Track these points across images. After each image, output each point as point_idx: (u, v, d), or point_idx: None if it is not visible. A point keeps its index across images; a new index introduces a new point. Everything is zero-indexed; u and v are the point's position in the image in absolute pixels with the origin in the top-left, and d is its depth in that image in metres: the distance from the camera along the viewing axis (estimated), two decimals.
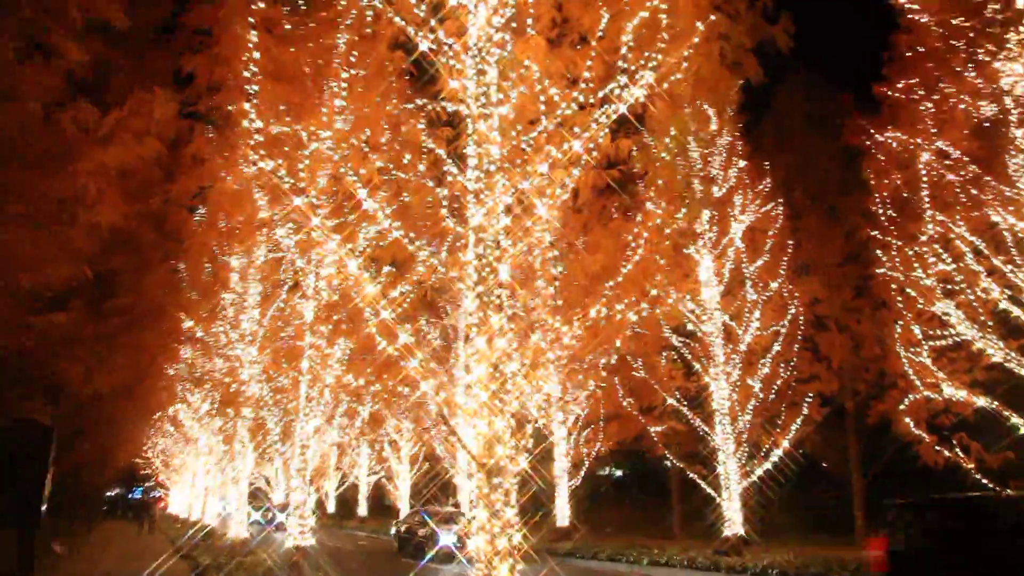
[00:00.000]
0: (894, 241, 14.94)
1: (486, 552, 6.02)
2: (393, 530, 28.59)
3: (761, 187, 20.23)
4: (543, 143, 7.13)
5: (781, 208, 20.31)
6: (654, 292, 7.12)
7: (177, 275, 14.23)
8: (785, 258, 19.99)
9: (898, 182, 15.23)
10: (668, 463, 31.99)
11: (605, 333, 7.04)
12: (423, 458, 39.09)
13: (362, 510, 46.64)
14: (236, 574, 15.21)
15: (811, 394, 18.87)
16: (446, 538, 20.42)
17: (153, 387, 22.55)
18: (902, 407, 15.38)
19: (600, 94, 7.02)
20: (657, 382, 21.11)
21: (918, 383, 14.62)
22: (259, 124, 6.10)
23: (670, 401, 20.88)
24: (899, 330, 14.86)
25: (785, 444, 18.40)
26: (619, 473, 47.65)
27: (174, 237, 13.86)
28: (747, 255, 19.84)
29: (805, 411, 18.89)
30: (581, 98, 7.10)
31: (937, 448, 15.05)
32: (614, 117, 6.88)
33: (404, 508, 39.29)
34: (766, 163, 20.40)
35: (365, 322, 11.88)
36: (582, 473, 26.07)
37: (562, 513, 25.83)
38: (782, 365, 19.14)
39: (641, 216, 11.29)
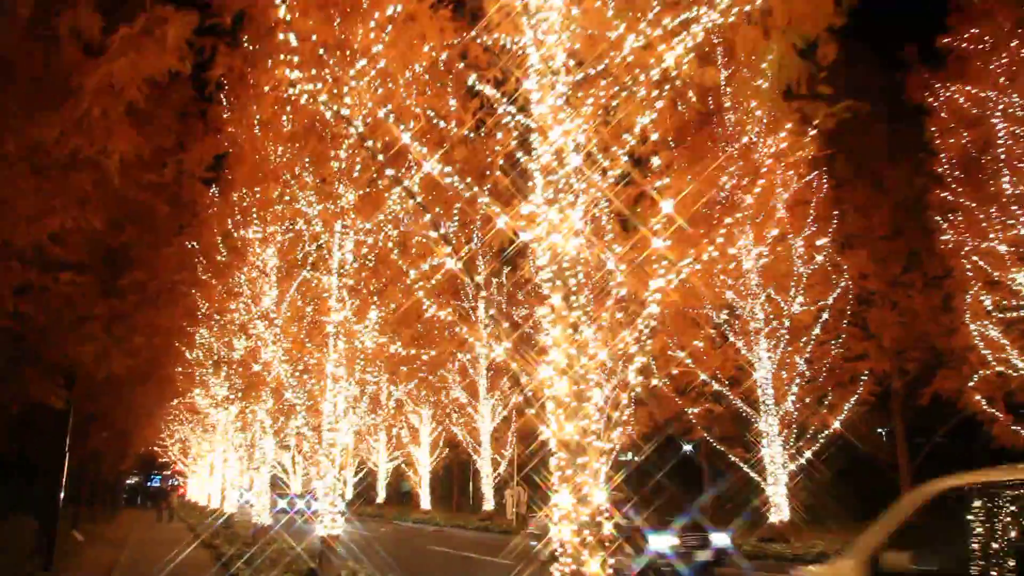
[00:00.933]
0: (962, 203, 13.84)
1: (572, 544, 5.11)
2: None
3: (803, 153, 19.11)
4: (615, 71, 6.12)
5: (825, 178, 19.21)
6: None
7: (192, 250, 13.37)
8: (830, 229, 18.88)
9: (965, 141, 14.10)
10: (697, 448, 31.17)
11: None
12: (443, 444, 38.32)
13: (380, 497, 46.01)
14: (260, 563, 14.44)
15: (866, 372, 17.80)
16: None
17: (170, 372, 21.79)
18: (971, 384, 14.32)
19: (684, 17, 6.00)
20: (695, 360, 20.12)
21: (989, 357, 13.56)
22: (293, 42, 5.18)
23: (702, 379, 19.93)
24: (968, 300, 13.80)
25: (836, 425, 17.37)
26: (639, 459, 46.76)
27: (189, 210, 13.01)
28: (791, 224, 18.75)
29: (859, 390, 17.79)
30: (649, 31, 6.11)
31: (1015, 428, 13.99)
32: (699, 38, 5.88)
33: (424, 496, 38.60)
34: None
35: (409, 287, 11.03)
36: (610, 459, 25.15)
37: None
38: (833, 343, 18.09)
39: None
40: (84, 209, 7.44)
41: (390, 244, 10.34)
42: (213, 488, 40.91)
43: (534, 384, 5.68)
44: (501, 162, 6.93)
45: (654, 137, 5.74)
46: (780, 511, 18.21)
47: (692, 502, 31.11)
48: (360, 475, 47.40)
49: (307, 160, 12.21)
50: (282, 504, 35.37)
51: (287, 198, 13.28)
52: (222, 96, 13.09)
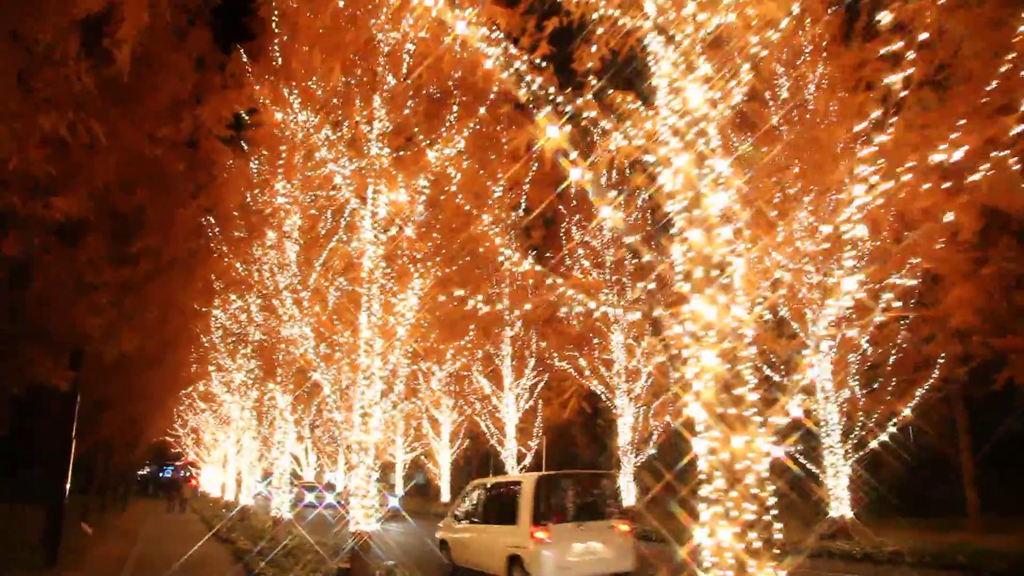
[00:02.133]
0: None
1: (734, 552, 3.79)
2: None
3: None
4: None
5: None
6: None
7: (210, 215, 12.08)
8: None
9: None
10: None
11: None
12: (463, 435, 37.07)
13: (399, 490, 44.78)
14: (285, 562, 13.20)
15: (942, 356, 16.28)
16: None
17: (183, 356, 20.56)
18: None
19: None
20: None
21: None
22: None
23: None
24: None
25: (906, 412, 15.92)
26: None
27: (207, 171, 11.73)
28: None
29: (934, 374, 16.29)
30: None
31: None
32: None
33: (444, 488, 37.41)
34: None
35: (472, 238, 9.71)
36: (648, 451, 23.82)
37: (627, 493, 23.60)
38: (902, 322, 16.63)
39: None
40: (82, 113, 6.13)
41: (452, 188, 8.96)
42: (227, 479, 39.85)
43: (672, 344, 4.35)
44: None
45: None
46: (841, 506, 16.82)
47: None
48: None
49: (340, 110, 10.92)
50: (309, 498, 34.22)
51: (316, 158, 12.03)
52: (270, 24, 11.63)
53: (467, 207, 9.00)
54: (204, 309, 16.40)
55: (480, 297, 6.21)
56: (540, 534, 10.87)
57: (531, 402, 30.39)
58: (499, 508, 12.34)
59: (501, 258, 5.77)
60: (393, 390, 11.70)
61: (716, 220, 4.29)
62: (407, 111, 10.54)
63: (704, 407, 4.08)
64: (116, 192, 10.07)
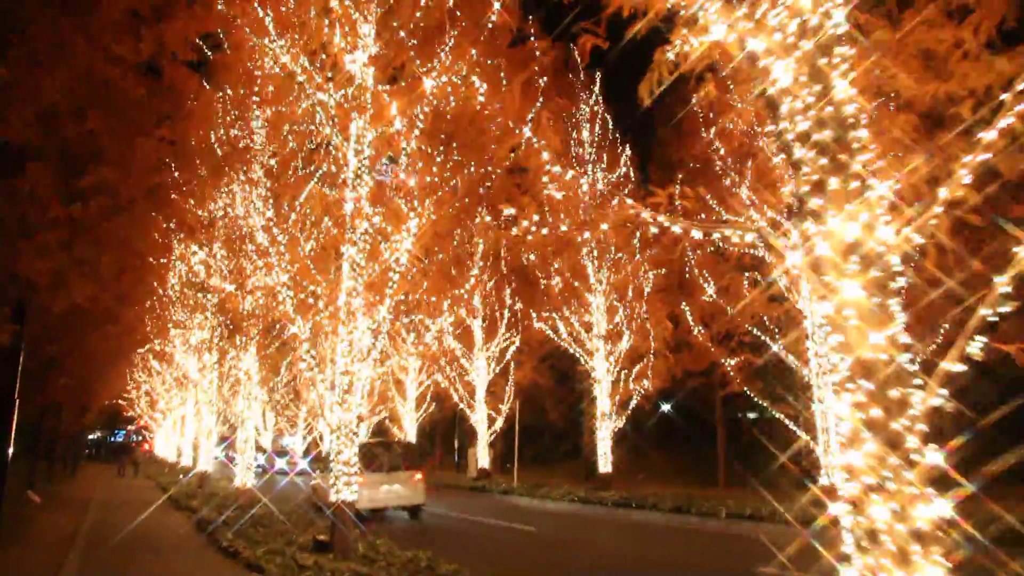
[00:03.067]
0: None
1: (895, 532, 2.94)
2: None
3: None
4: None
5: None
6: None
7: (175, 148, 10.75)
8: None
9: None
10: (706, 405, 29.42)
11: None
12: (430, 398, 36.09)
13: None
14: (256, 534, 12.21)
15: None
16: None
17: (140, 312, 19.15)
18: None
19: None
20: (732, 305, 18.07)
21: None
22: None
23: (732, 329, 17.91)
24: None
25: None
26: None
27: (171, 99, 10.41)
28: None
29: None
30: None
31: None
32: None
33: None
34: None
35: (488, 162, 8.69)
36: (625, 415, 23.17)
37: (604, 459, 23.02)
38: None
39: None
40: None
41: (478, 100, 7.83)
42: (184, 444, 38.40)
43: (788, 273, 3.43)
44: None
45: None
46: (831, 475, 16.38)
47: (701, 461, 29.64)
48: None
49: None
50: (280, 464, 33.02)
51: (296, 86, 10.82)
52: None
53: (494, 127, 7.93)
54: (163, 260, 15.00)
55: (536, 218, 5.16)
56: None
57: (503, 364, 29.59)
58: None
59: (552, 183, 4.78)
60: (376, 347, 10.67)
61: (852, 120, 3.38)
62: (402, 34, 9.36)
63: (847, 354, 3.20)
64: (65, 116, 8.76)
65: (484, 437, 30.23)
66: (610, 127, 23.03)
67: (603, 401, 23.14)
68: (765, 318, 17.28)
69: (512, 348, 29.37)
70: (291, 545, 10.89)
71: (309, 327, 10.83)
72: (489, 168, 10.53)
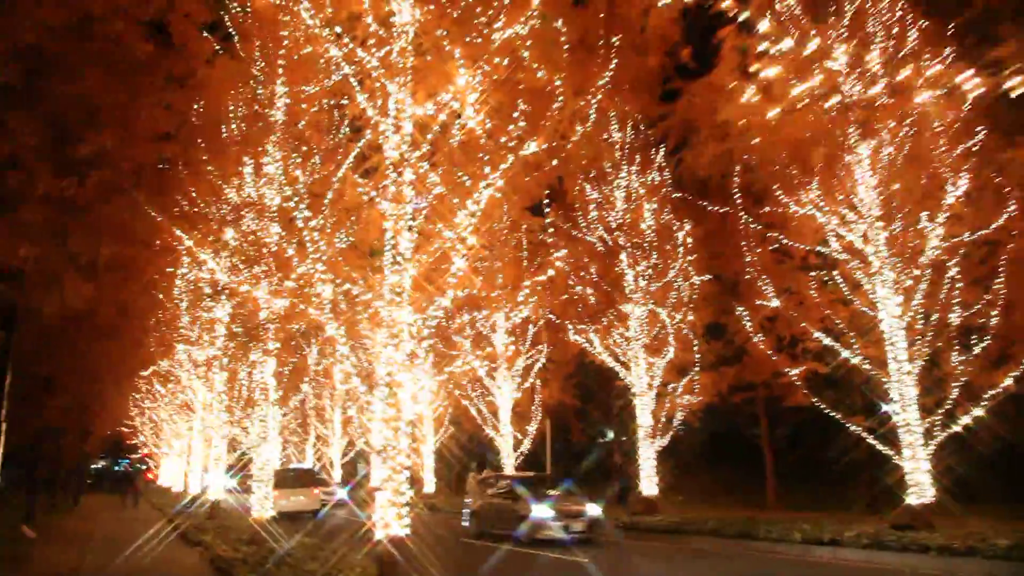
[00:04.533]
0: None
1: None
2: None
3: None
4: None
5: None
6: None
7: (185, 120, 9.12)
8: None
9: None
10: (760, 419, 27.46)
11: None
12: (448, 421, 34.12)
13: (375, 480, 41.83)
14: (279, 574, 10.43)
15: None
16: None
17: (145, 325, 17.46)
18: None
19: None
20: (795, 310, 16.40)
21: None
22: None
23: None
24: None
25: (1008, 382, 13.66)
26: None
27: (183, 60, 8.81)
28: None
29: None
30: None
31: None
32: None
33: (428, 478, 34.63)
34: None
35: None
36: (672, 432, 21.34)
37: (649, 481, 21.18)
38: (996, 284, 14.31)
39: None
40: None
41: None
42: (192, 471, 36.56)
43: None
44: None
45: None
46: (922, 492, 14.55)
47: (748, 481, 27.69)
48: (348, 456, 43.49)
49: None
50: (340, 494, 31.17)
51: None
52: None
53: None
54: (170, 260, 13.18)
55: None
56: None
57: (530, 381, 27.71)
58: None
59: None
60: (425, 352, 9.01)
61: None
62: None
63: None
64: (56, 68, 7.18)
65: (511, 459, 28.30)
66: None
67: (645, 418, 21.35)
68: (838, 322, 15.53)
69: (538, 365, 27.47)
70: None
71: (343, 331, 9.14)
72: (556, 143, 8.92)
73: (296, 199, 8.54)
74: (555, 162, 8.00)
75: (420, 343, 8.99)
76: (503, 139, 7.57)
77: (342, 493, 32.46)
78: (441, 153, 8.25)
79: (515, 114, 7.59)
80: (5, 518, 19.29)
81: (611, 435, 38.90)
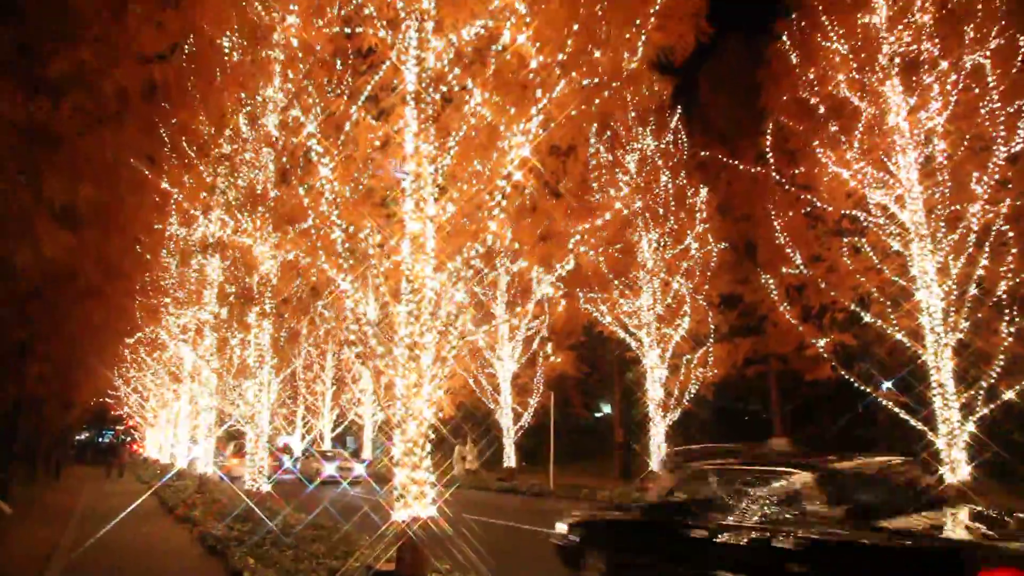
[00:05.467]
0: None
1: None
2: None
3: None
4: None
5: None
6: None
7: (179, 43, 7.90)
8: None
9: None
10: (770, 397, 26.65)
11: None
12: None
13: (367, 454, 40.91)
14: (277, 555, 9.47)
15: None
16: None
17: (130, 287, 16.27)
18: None
19: None
20: (823, 279, 15.43)
21: None
22: None
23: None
24: None
25: None
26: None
27: None
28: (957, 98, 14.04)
29: None
30: None
31: None
32: None
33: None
34: None
35: None
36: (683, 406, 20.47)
37: (656, 458, 20.35)
38: None
39: None
40: None
41: None
42: (179, 443, 35.45)
43: None
44: None
45: None
46: (957, 471, 13.77)
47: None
48: (338, 429, 42.48)
49: None
50: (329, 470, 29.72)
51: None
52: None
53: None
54: (160, 222, 11.98)
55: None
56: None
57: (529, 353, 26.77)
58: None
59: None
60: (455, 311, 7.99)
61: None
62: None
63: None
64: None
65: (511, 433, 27.42)
66: None
67: (655, 392, 20.48)
68: (873, 290, 14.60)
69: (539, 336, 26.50)
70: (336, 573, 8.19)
71: (357, 286, 8.06)
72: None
73: (307, 133, 7.39)
74: (607, 93, 6.87)
75: (451, 299, 7.96)
76: (559, 57, 6.46)
77: (360, 468, 31.40)
78: (480, 79, 7.12)
79: (570, 31, 6.49)
80: None
81: (607, 409, 38.14)
